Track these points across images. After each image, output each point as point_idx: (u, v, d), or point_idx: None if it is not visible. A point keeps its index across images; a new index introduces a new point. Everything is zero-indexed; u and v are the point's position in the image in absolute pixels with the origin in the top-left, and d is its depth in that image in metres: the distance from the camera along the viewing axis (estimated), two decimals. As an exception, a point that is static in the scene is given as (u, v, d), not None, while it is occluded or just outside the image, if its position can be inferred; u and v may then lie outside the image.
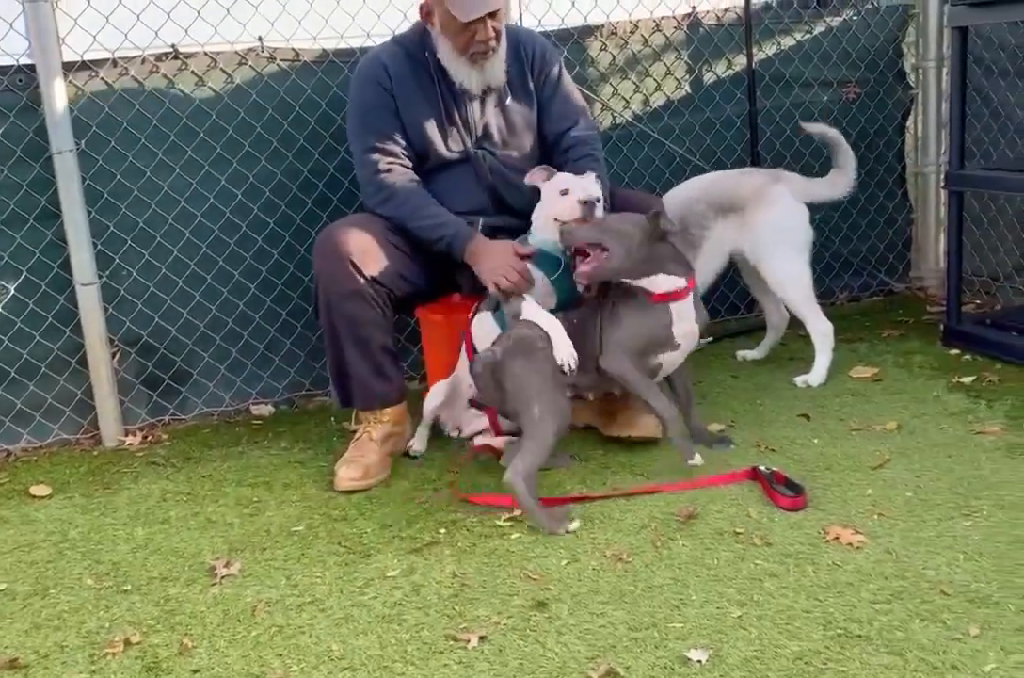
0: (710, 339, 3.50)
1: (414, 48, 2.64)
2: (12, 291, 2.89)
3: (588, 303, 2.52)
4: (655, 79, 3.50)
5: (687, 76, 3.55)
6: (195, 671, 1.81)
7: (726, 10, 3.54)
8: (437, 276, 2.68)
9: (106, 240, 2.95)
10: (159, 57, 2.93)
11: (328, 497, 2.50)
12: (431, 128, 2.63)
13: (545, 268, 2.52)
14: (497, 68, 2.61)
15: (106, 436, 3.01)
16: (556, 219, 2.48)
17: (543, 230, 2.54)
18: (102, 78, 2.89)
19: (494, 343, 2.44)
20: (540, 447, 2.27)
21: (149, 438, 3.02)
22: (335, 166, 3.09)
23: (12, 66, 2.80)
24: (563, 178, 2.51)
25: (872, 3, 3.72)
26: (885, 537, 2.08)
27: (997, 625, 1.74)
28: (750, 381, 3.12)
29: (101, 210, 2.93)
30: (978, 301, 3.76)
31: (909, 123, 3.86)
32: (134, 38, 2.87)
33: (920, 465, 2.42)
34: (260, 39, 3.02)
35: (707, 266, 3.05)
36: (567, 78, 2.79)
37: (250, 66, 3.03)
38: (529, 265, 2.50)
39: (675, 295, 2.42)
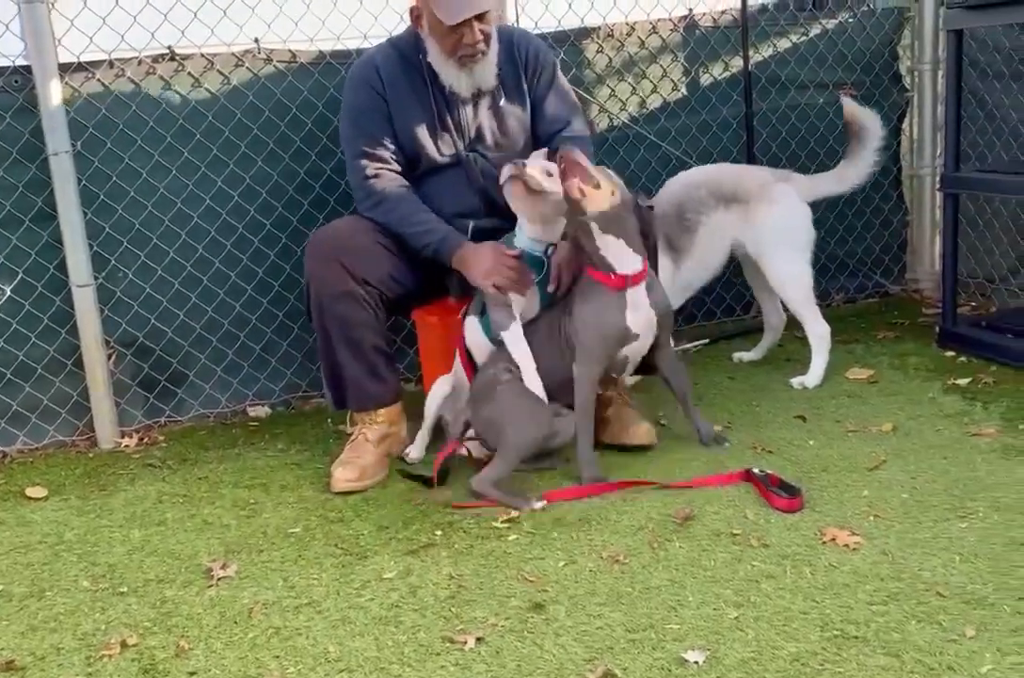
0: (706, 341, 3.51)
1: (408, 50, 2.64)
2: (8, 292, 2.89)
3: (553, 308, 2.52)
4: (651, 81, 3.50)
5: (683, 78, 3.55)
6: (192, 673, 1.80)
7: (722, 12, 3.55)
8: (429, 278, 2.67)
9: (102, 241, 2.95)
10: (155, 58, 2.94)
11: (325, 499, 2.50)
12: (422, 132, 2.63)
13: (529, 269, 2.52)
14: (487, 71, 2.60)
15: (102, 438, 3.00)
16: (524, 215, 2.49)
17: (525, 231, 2.53)
18: (98, 79, 2.89)
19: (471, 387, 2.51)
20: (507, 464, 2.37)
21: (145, 440, 3.01)
22: (332, 167, 3.09)
23: (8, 67, 2.80)
24: (504, 171, 2.48)
25: (868, 5, 3.73)
26: (881, 539, 2.08)
27: (993, 626, 1.75)
28: (746, 382, 3.13)
29: (97, 211, 2.93)
30: (973, 303, 3.77)
31: (905, 125, 3.87)
32: (130, 39, 2.87)
33: (916, 467, 2.42)
34: (257, 41, 3.02)
35: (706, 256, 3.04)
36: (561, 79, 2.78)
37: (247, 68, 3.03)
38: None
39: (634, 279, 2.41)
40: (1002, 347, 3.10)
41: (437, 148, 2.64)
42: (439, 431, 2.72)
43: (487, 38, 2.54)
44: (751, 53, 3.56)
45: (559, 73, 2.78)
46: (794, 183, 3.05)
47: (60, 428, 3.00)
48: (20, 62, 2.80)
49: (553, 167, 2.43)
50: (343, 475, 2.52)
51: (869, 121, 3.07)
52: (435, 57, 2.58)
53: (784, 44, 3.64)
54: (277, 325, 3.18)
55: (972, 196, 3.65)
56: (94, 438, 3.01)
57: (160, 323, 3.06)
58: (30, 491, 2.67)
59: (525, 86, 2.70)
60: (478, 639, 1.82)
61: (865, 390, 2.97)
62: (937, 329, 3.33)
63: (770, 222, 3.00)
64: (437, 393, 2.66)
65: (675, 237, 2.97)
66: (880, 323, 3.61)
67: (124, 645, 1.90)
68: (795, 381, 3.04)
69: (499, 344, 2.52)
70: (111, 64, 2.89)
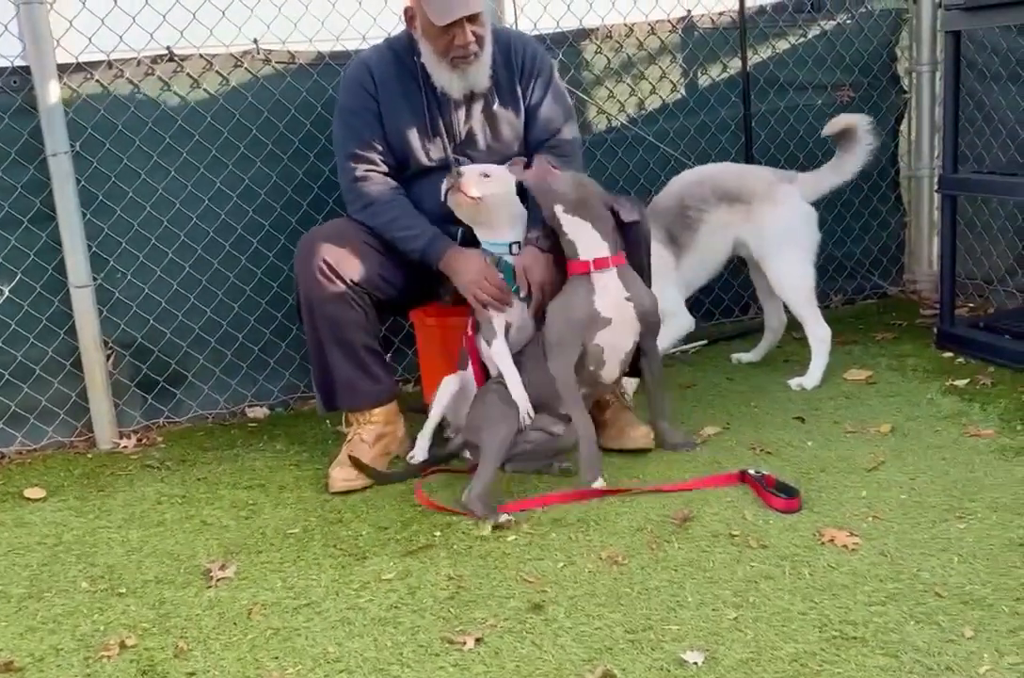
0: (705, 342, 3.51)
1: (403, 52, 2.63)
2: (6, 293, 2.89)
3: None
4: (650, 82, 3.51)
5: (682, 79, 3.56)
6: (191, 674, 1.80)
7: (721, 14, 3.55)
8: (420, 278, 2.66)
9: (101, 242, 2.95)
10: (154, 59, 2.94)
11: (323, 499, 2.50)
12: (411, 134, 2.62)
13: (507, 277, 2.53)
14: (480, 73, 2.58)
15: (100, 439, 3.00)
16: (472, 222, 2.52)
17: (480, 236, 2.55)
18: (97, 80, 2.89)
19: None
20: (487, 476, 2.35)
21: (144, 441, 3.01)
22: (330, 168, 3.09)
23: (7, 68, 2.80)
24: (443, 186, 2.50)
25: (866, 7, 3.73)
26: (880, 539, 2.09)
27: (991, 627, 1.75)
28: (745, 383, 3.13)
29: (96, 212, 2.93)
30: (971, 304, 3.77)
31: (902, 127, 3.87)
32: (129, 40, 2.87)
33: (914, 467, 2.43)
34: (255, 41, 3.02)
35: (707, 254, 3.05)
36: (557, 84, 2.75)
37: (245, 68, 3.03)
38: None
39: (598, 263, 2.41)
40: (1000, 348, 3.10)
41: (425, 151, 2.64)
42: (439, 431, 2.72)
43: (480, 40, 2.52)
44: (749, 54, 3.56)
45: (555, 77, 2.76)
46: (798, 183, 3.05)
47: (58, 429, 3.00)
48: (19, 63, 2.80)
49: (490, 168, 2.48)
50: (340, 475, 2.52)
51: (848, 121, 3.08)
52: (428, 58, 2.57)
53: (782, 45, 3.65)
54: (276, 326, 3.18)
55: (970, 197, 3.66)
56: (93, 439, 3.01)
57: (159, 324, 3.06)
58: (28, 492, 2.67)
59: (519, 90, 2.68)
60: (477, 640, 1.82)
61: (863, 391, 2.98)
62: (935, 330, 3.33)
63: (773, 223, 3.00)
64: (445, 392, 2.64)
65: (677, 233, 2.99)
66: (878, 324, 3.62)
67: (123, 646, 1.90)
68: (793, 382, 3.04)
69: None
70: (110, 65, 2.89)
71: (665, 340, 3.03)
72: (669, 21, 3.50)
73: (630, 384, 2.85)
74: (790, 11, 3.65)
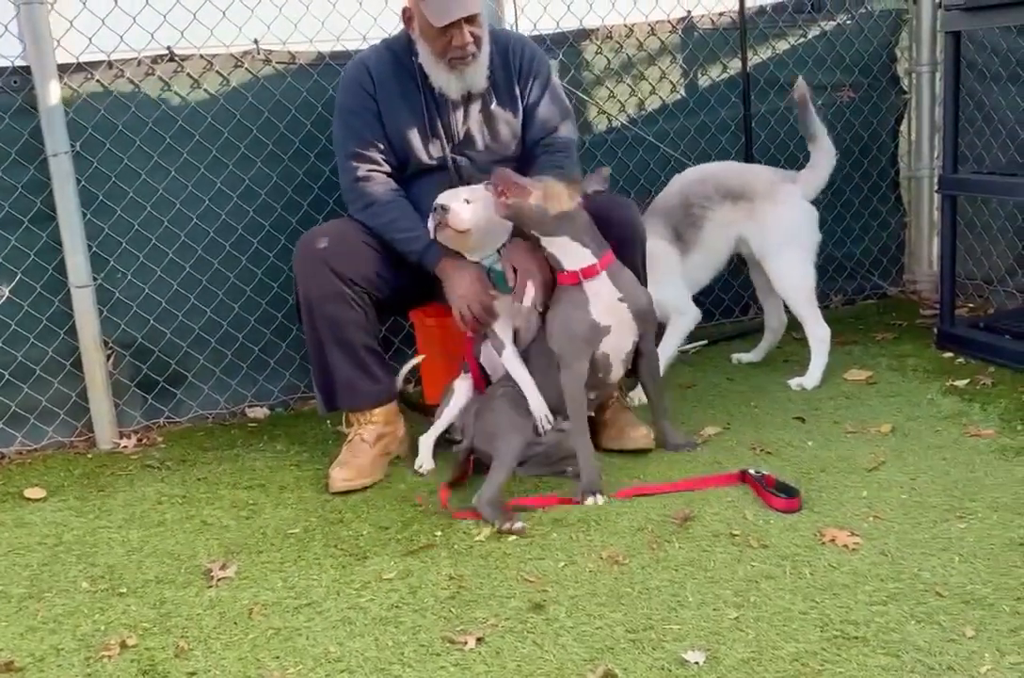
0: (705, 342, 3.51)
1: (402, 52, 2.63)
2: (7, 293, 2.89)
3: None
4: (650, 82, 3.51)
5: (682, 80, 3.56)
6: (192, 674, 1.80)
7: (721, 14, 3.55)
8: (419, 279, 2.66)
9: (101, 242, 2.95)
10: (155, 59, 2.94)
11: (324, 500, 2.50)
12: (411, 134, 2.62)
13: (501, 286, 2.53)
14: (478, 74, 2.59)
15: (101, 439, 3.00)
16: (463, 250, 2.52)
17: (469, 257, 2.55)
18: (97, 80, 2.89)
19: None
20: (499, 480, 2.35)
21: (144, 441, 3.01)
22: (331, 169, 3.09)
23: (7, 68, 2.80)
24: (430, 222, 2.49)
25: (866, 8, 3.73)
26: (880, 539, 2.09)
27: (992, 626, 1.75)
28: (745, 383, 3.13)
29: (96, 212, 2.93)
30: (971, 304, 3.77)
31: (902, 127, 3.87)
32: (129, 40, 2.87)
33: (914, 467, 2.43)
34: (256, 42, 3.03)
35: (713, 251, 3.07)
36: (555, 85, 2.76)
37: (246, 69, 3.03)
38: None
39: (585, 272, 2.40)
40: (1000, 348, 3.11)
41: (426, 150, 2.64)
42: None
43: (477, 41, 2.53)
44: (749, 55, 3.56)
45: (554, 79, 2.76)
46: (800, 183, 3.06)
47: (59, 429, 3.00)
48: (19, 63, 2.80)
49: (470, 191, 2.48)
50: (340, 475, 2.53)
51: (809, 112, 3.09)
52: (426, 59, 2.58)
53: (782, 46, 3.65)
54: (276, 326, 3.18)
55: (970, 198, 3.66)
56: (93, 439, 3.01)
57: (159, 324, 3.05)
58: (29, 492, 2.67)
59: (517, 92, 2.68)
60: (478, 639, 1.82)
61: (864, 391, 2.98)
62: (935, 330, 3.33)
63: (775, 222, 3.01)
64: (453, 398, 2.64)
65: (683, 230, 3.01)
66: (878, 324, 3.62)
67: (124, 646, 1.90)
68: (794, 382, 3.04)
69: None
70: (110, 65, 2.89)
71: (674, 337, 3.06)
72: (669, 22, 3.50)
73: (635, 393, 2.89)
74: (790, 12, 3.65)
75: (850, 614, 1.82)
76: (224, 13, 2.96)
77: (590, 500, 2.33)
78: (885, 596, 1.87)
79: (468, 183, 2.61)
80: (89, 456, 2.94)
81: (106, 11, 2.84)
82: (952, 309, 3.29)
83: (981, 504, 2.21)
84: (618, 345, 2.46)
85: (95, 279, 2.94)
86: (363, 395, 2.62)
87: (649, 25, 3.47)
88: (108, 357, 3.00)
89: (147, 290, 3.02)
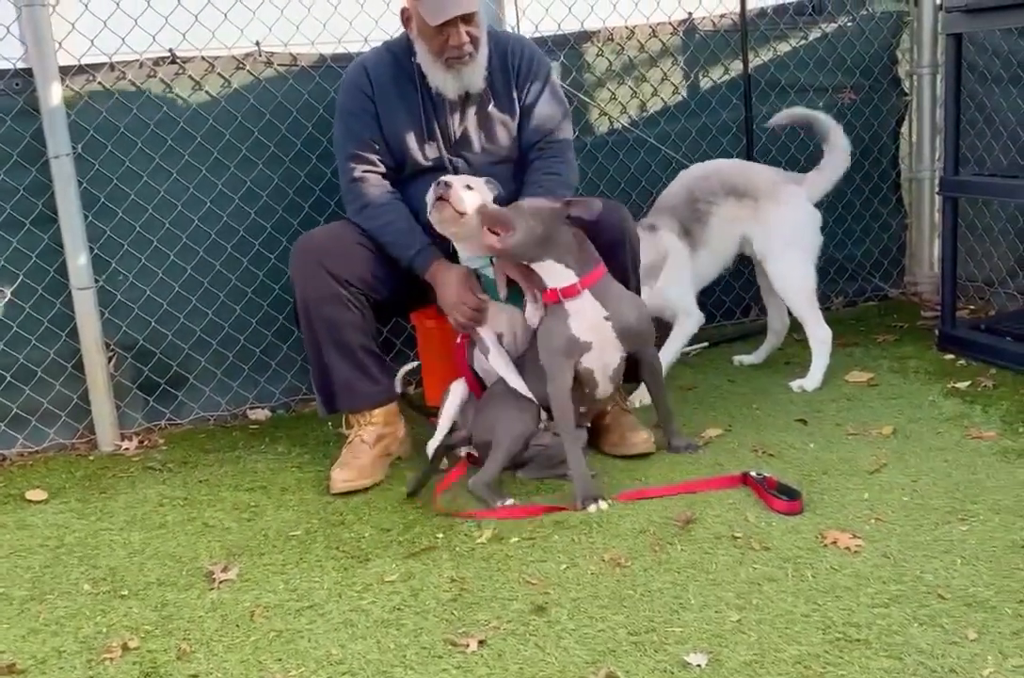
0: (706, 344, 3.51)
1: (402, 53, 2.64)
2: (8, 295, 2.89)
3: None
4: (651, 85, 3.51)
5: (683, 82, 3.56)
6: (193, 676, 1.80)
7: (722, 16, 3.56)
8: (416, 281, 2.65)
9: (102, 244, 2.95)
10: (156, 61, 2.94)
11: (326, 501, 2.50)
12: (408, 135, 2.62)
13: (491, 292, 2.53)
14: (475, 74, 2.58)
15: (102, 441, 3.00)
16: (452, 236, 2.52)
17: (460, 252, 2.56)
18: (99, 82, 2.89)
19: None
20: (496, 465, 2.42)
21: (145, 443, 3.01)
22: (332, 170, 3.09)
23: (9, 70, 2.80)
24: (430, 195, 2.49)
25: (867, 9, 3.73)
26: (882, 541, 2.09)
27: (994, 629, 1.75)
28: (747, 385, 3.13)
29: (98, 214, 2.93)
30: (972, 306, 3.77)
31: (903, 129, 3.87)
32: (131, 42, 2.87)
33: (916, 469, 2.43)
34: (258, 44, 3.03)
35: (719, 248, 3.08)
36: (554, 88, 2.75)
37: (248, 71, 3.03)
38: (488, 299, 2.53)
39: (565, 292, 2.40)
40: (1001, 350, 3.11)
41: (422, 152, 2.64)
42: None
43: (474, 40, 2.53)
44: (751, 57, 3.57)
45: (553, 81, 2.75)
46: (805, 185, 3.06)
47: (60, 431, 3.00)
48: (21, 65, 2.81)
49: (472, 180, 2.49)
50: (341, 476, 2.53)
51: (805, 116, 3.13)
52: (423, 58, 2.58)
53: (783, 48, 3.65)
54: (277, 328, 3.18)
55: (971, 199, 3.66)
56: (94, 441, 3.01)
57: (160, 326, 3.05)
58: (30, 494, 2.67)
59: (515, 94, 2.68)
60: (480, 642, 1.82)
61: (865, 393, 2.98)
62: (936, 332, 3.33)
63: (777, 223, 3.01)
64: (452, 399, 2.64)
65: (689, 226, 3.03)
66: (879, 326, 3.62)
67: (125, 648, 1.90)
68: (795, 384, 3.04)
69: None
70: (112, 67, 2.89)
71: (677, 340, 3.06)
72: (670, 23, 3.50)
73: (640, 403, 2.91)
74: (791, 13, 3.65)
75: (852, 617, 1.82)
76: (226, 15, 2.96)
77: (592, 507, 2.32)
78: (887, 598, 1.87)
79: None
80: (91, 458, 2.94)
81: (108, 13, 2.84)
82: (953, 311, 3.29)
83: (983, 506, 2.21)
84: (602, 361, 2.45)
85: (96, 281, 2.94)
86: (362, 396, 2.62)
87: (650, 27, 3.48)
88: (109, 359, 3.00)
89: (148, 292, 3.03)
